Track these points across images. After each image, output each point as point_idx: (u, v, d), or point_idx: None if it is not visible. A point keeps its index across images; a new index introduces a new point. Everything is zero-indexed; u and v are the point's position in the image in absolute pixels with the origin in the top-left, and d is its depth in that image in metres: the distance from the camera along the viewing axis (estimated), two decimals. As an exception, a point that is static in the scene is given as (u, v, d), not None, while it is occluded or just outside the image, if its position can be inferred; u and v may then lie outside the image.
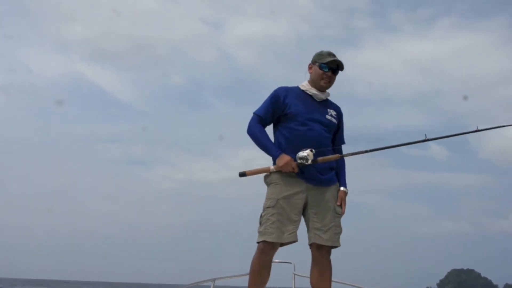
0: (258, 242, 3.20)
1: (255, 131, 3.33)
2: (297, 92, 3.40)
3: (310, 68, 3.43)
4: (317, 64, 3.37)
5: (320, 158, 3.19)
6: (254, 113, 3.38)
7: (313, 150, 3.16)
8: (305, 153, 3.15)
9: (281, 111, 3.34)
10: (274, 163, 3.27)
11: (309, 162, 3.15)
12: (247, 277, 6.05)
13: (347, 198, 3.41)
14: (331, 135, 3.41)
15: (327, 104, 3.44)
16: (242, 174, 3.29)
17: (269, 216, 3.19)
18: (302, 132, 3.26)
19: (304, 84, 3.44)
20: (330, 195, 3.31)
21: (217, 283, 5.09)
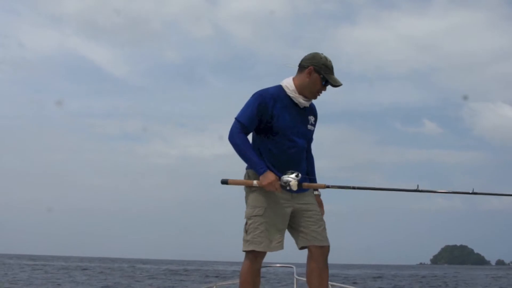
0: (245, 251, 3.16)
1: (239, 143, 3.11)
2: (282, 99, 3.17)
3: (309, 73, 3.15)
4: (321, 76, 3.14)
5: (305, 184, 3.14)
6: (237, 119, 3.13)
7: (299, 175, 3.07)
8: (290, 177, 3.04)
9: (266, 121, 3.14)
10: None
11: (293, 189, 3.08)
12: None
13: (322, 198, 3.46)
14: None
15: (308, 109, 3.29)
16: (224, 182, 3.16)
17: (257, 225, 3.12)
18: (286, 148, 3.16)
19: (290, 87, 3.19)
20: (312, 199, 3.30)
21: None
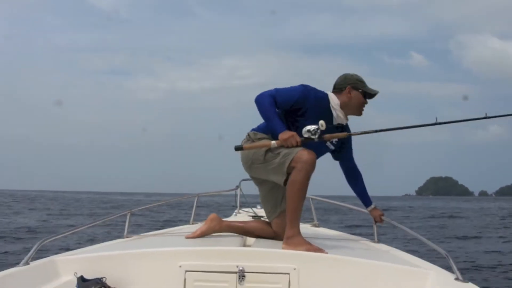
0: (289, 163, 3.01)
1: (266, 104, 3.09)
2: (323, 107, 3.24)
3: (349, 92, 3.28)
4: (360, 91, 3.29)
5: (327, 135, 3.13)
6: (275, 90, 3.15)
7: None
8: (312, 125, 3.06)
9: (296, 113, 3.17)
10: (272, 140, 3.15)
11: (316, 136, 3.07)
12: (229, 193, 6.06)
13: None
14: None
15: (339, 129, 3.34)
16: (239, 148, 3.16)
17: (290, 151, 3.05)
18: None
19: (335, 100, 3.28)
20: None
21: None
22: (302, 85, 3.21)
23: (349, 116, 3.36)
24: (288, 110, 3.19)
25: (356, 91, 3.30)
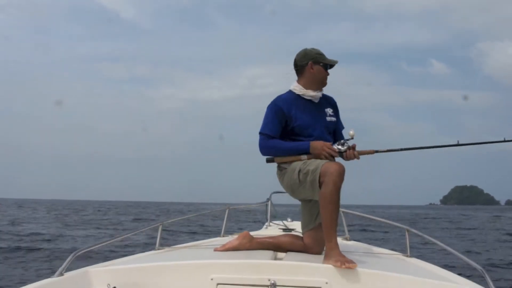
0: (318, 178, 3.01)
1: (272, 145, 3.24)
2: (294, 100, 3.36)
3: (311, 67, 3.37)
4: (321, 64, 3.37)
5: (357, 151, 3.24)
6: (260, 133, 3.28)
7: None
8: (341, 142, 3.21)
9: (287, 125, 3.29)
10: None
11: (345, 148, 3.21)
12: (259, 206, 6.03)
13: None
14: (332, 133, 3.45)
15: (323, 102, 3.46)
16: (270, 160, 3.29)
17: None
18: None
19: (297, 88, 3.40)
20: None
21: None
22: (268, 106, 3.33)
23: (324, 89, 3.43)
24: (287, 131, 3.28)
25: (317, 65, 3.37)
